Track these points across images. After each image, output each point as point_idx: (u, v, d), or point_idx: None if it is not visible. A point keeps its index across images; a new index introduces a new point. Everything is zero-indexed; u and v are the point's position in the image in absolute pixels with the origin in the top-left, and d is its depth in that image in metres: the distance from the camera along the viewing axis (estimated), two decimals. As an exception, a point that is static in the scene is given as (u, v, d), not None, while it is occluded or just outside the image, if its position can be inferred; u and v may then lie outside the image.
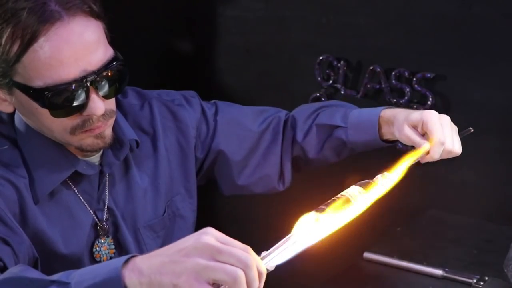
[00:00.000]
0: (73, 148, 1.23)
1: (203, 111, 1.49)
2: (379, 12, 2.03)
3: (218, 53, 2.35)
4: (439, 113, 1.29)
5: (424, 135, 1.31)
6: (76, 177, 1.27)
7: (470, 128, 1.36)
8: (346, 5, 2.09)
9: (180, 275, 0.85)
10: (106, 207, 1.31)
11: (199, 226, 2.04)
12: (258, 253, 0.89)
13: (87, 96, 1.14)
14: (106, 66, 1.15)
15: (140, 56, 2.20)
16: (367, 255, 1.55)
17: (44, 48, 1.10)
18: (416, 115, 1.32)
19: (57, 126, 1.17)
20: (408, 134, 1.32)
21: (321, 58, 2.14)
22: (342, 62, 2.10)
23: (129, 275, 0.88)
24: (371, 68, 2.04)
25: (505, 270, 1.38)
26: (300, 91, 2.20)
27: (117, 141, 1.30)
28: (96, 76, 1.13)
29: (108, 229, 1.31)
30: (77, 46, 1.12)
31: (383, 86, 2.03)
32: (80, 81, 1.12)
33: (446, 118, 1.31)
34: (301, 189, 2.29)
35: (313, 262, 1.72)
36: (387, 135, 1.42)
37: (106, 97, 1.17)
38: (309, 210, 0.95)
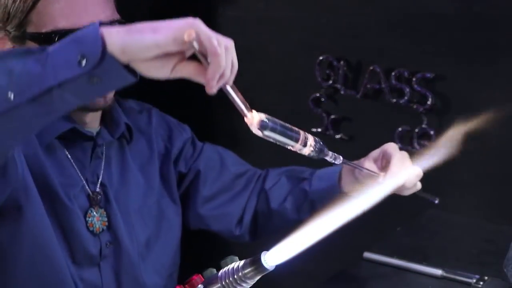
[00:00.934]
0: (75, 111, 1.28)
1: (193, 137, 1.61)
2: (379, 12, 2.03)
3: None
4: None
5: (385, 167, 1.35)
6: (71, 144, 1.34)
7: (436, 200, 1.39)
8: (346, 5, 2.09)
9: (160, 27, 0.88)
10: (99, 182, 1.38)
11: (198, 229, 2.04)
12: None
13: None
14: (114, 23, 1.25)
15: (140, 56, 2.20)
16: (367, 255, 1.55)
17: None
18: (375, 150, 1.37)
19: None
20: (368, 166, 1.35)
21: (321, 58, 2.14)
22: (342, 62, 2.10)
23: (107, 29, 0.88)
24: (371, 68, 2.04)
25: (505, 270, 1.38)
26: (300, 91, 2.20)
27: (113, 122, 1.40)
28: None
29: (100, 200, 1.37)
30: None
31: (383, 86, 2.03)
32: None
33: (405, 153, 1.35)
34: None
35: (313, 262, 1.72)
36: (348, 186, 1.42)
37: None
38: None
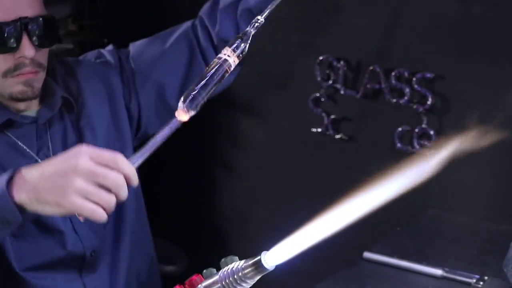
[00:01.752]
0: (5, 100, 1.39)
1: (118, 61, 1.59)
2: (378, 12, 2.04)
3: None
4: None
5: None
6: (18, 130, 1.41)
7: None
8: (346, 5, 2.09)
9: (63, 196, 1.06)
10: (52, 155, 1.42)
11: (200, 226, 2.04)
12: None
13: (20, 38, 1.33)
14: (39, 18, 1.36)
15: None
16: (367, 255, 1.55)
17: None
18: None
19: None
20: None
21: (321, 58, 2.14)
22: (341, 62, 2.10)
23: (18, 192, 1.10)
24: (371, 68, 2.04)
25: (505, 270, 1.38)
26: (300, 91, 2.20)
27: (50, 97, 1.46)
28: (29, 22, 1.34)
29: None
30: None
31: (382, 86, 2.03)
32: (16, 22, 1.32)
33: None
34: (301, 189, 2.30)
35: (313, 262, 1.72)
36: None
37: (37, 46, 1.36)
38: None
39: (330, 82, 2.14)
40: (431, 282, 1.45)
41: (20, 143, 1.42)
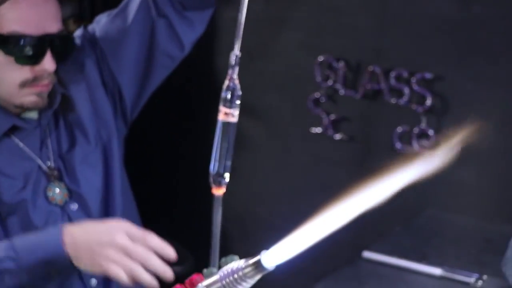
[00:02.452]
0: (11, 107, 1.41)
1: (85, 38, 1.58)
2: (378, 13, 2.04)
3: (218, 53, 2.36)
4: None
5: None
6: (23, 133, 1.44)
7: None
8: (346, 6, 2.09)
9: (98, 261, 1.24)
10: (52, 155, 1.46)
11: (200, 226, 2.05)
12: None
13: (44, 53, 1.37)
14: (62, 34, 1.41)
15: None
16: (366, 254, 1.56)
17: (22, 3, 1.35)
18: None
19: (10, 78, 1.37)
20: None
21: (320, 59, 2.14)
22: (341, 62, 2.11)
23: (71, 250, 1.25)
24: (370, 68, 2.05)
25: (503, 270, 1.39)
26: (300, 91, 2.20)
27: (51, 94, 1.46)
28: (54, 39, 1.38)
29: (57, 175, 1.46)
30: (43, 10, 1.38)
31: (382, 86, 2.03)
32: (43, 38, 1.36)
33: None
34: (301, 189, 2.30)
35: (313, 261, 1.73)
36: None
37: (56, 61, 1.40)
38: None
39: (330, 82, 2.14)
40: (430, 281, 1.45)
41: (23, 146, 1.44)
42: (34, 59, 1.37)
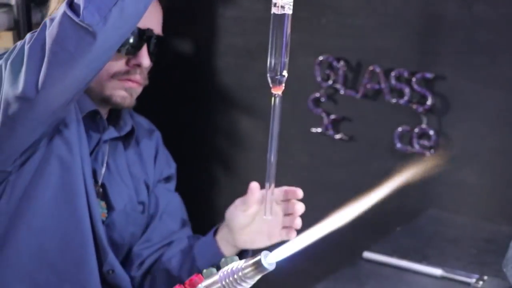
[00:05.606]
0: (98, 99, 1.44)
1: (174, 177, 1.74)
2: (378, 13, 2.04)
3: (218, 53, 2.36)
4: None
5: None
6: (86, 122, 1.43)
7: None
8: (346, 5, 2.09)
9: None
10: (103, 170, 1.48)
11: (200, 226, 2.05)
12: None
13: (141, 47, 1.43)
14: (161, 37, 1.51)
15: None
16: (366, 254, 1.56)
17: None
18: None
19: (105, 66, 1.31)
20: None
21: (321, 58, 2.14)
22: (341, 62, 2.10)
23: None
24: (371, 68, 2.05)
25: (504, 270, 1.39)
26: (300, 91, 2.20)
27: (121, 121, 1.52)
28: (153, 36, 1.47)
29: (101, 192, 1.47)
30: (153, 10, 1.50)
31: (382, 86, 2.03)
32: (144, 31, 1.44)
33: None
34: (301, 189, 2.30)
35: (313, 262, 1.73)
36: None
37: (150, 57, 1.46)
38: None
39: (330, 82, 2.14)
40: (430, 281, 1.45)
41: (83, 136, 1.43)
42: (133, 50, 1.42)
